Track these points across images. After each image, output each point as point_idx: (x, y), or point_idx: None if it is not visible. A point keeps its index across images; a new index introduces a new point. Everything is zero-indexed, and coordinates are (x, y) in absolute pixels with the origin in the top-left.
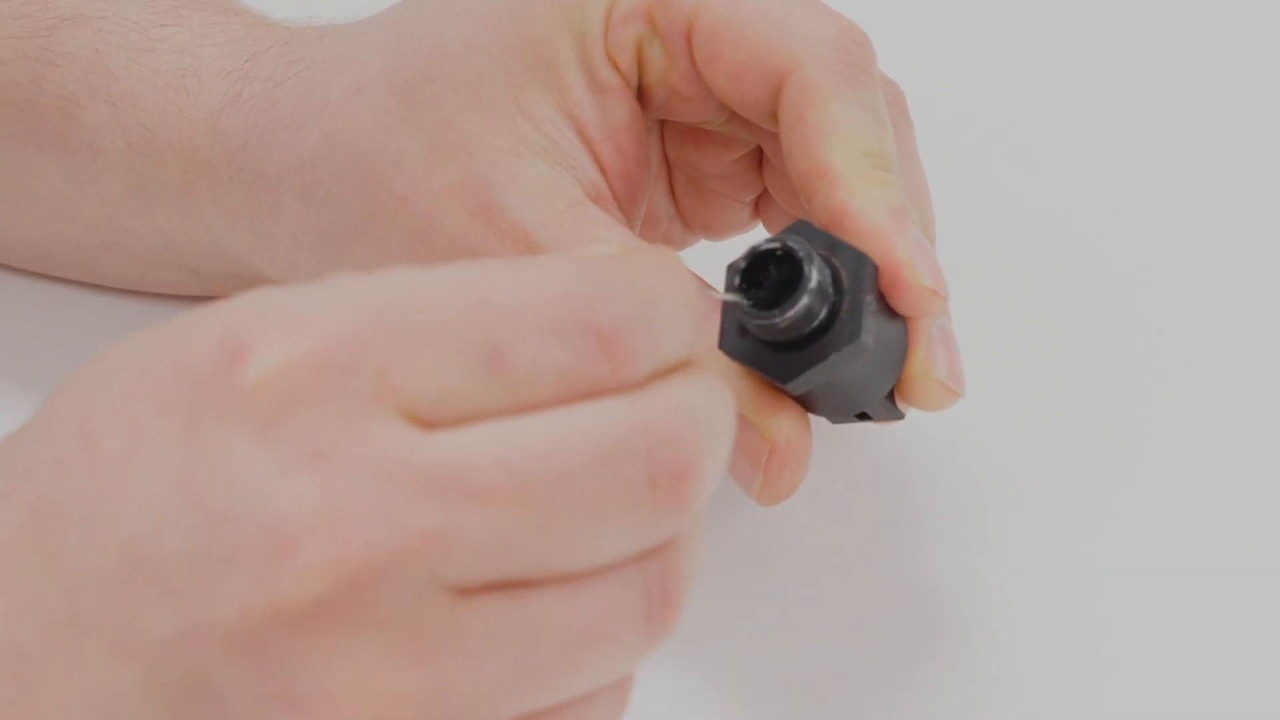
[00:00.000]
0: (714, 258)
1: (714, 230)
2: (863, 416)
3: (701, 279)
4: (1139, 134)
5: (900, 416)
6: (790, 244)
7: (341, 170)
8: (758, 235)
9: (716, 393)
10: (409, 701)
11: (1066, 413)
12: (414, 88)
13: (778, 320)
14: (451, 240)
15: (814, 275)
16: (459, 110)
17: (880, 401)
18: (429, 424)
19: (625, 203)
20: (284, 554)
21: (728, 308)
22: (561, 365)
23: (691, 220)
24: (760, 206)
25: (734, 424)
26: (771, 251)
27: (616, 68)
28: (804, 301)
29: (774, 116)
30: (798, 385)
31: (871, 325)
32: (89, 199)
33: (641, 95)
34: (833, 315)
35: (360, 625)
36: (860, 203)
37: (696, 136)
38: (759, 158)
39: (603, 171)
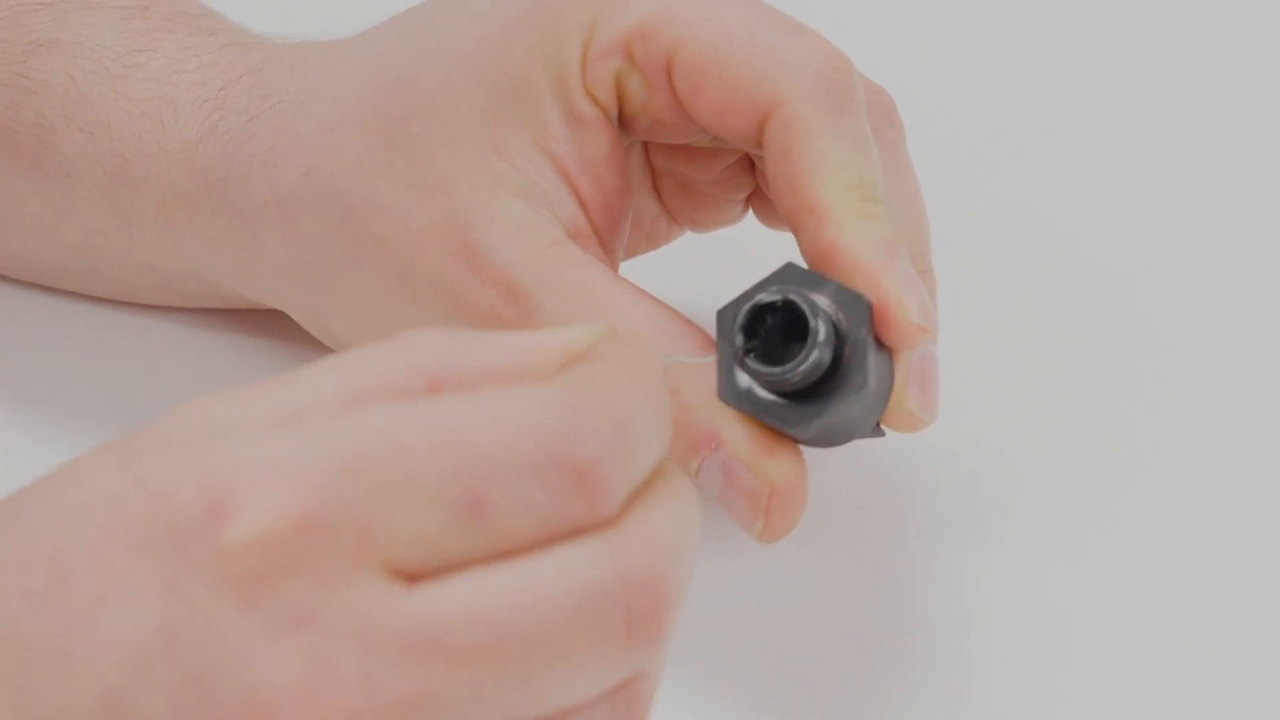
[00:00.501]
0: (711, 257)
1: (703, 226)
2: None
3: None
4: (1136, 132)
5: (882, 434)
6: (792, 297)
7: (320, 206)
8: (747, 225)
9: (686, 506)
10: None
11: (1064, 415)
12: (391, 126)
13: (790, 376)
14: (432, 281)
15: (821, 329)
16: (436, 149)
17: (867, 429)
18: (410, 576)
19: (605, 234)
20: None
21: (725, 353)
22: (540, 507)
23: (679, 218)
24: (752, 200)
25: (698, 528)
26: (770, 304)
27: (595, 101)
28: (814, 355)
29: (760, 145)
30: (806, 432)
31: (873, 367)
32: (68, 225)
33: (624, 122)
34: (836, 360)
35: None
36: (849, 239)
37: (687, 151)
38: (750, 161)
39: (582, 205)
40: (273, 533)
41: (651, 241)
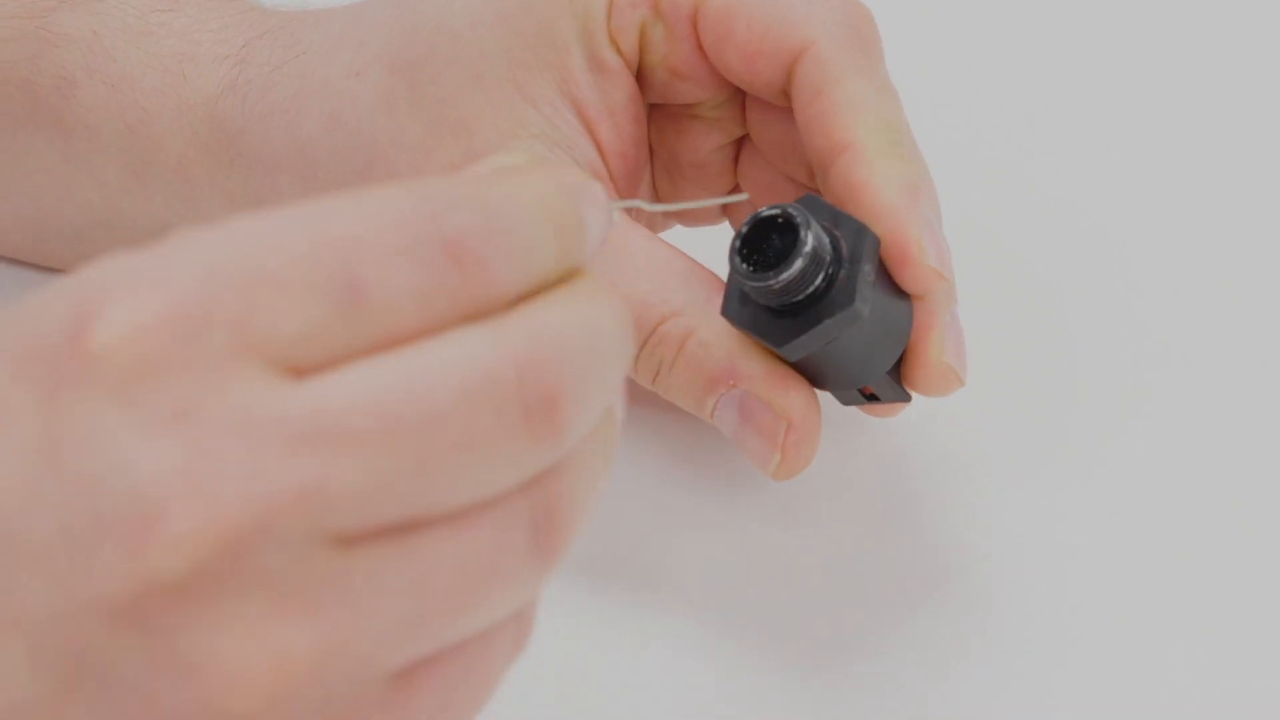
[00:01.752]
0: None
1: (683, 217)
2: (871, 398)
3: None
4: (1133, 105)
5: (907, 399)
6: (789, 210)
7: (342, 151)
8: (726, 230)
9: (596, 309)
10: (301, 656)
11: (1064, 390)
12: (415, 66)
13: (772, 282)
14: None
15: (809, 239)
16: (460, 88)
17: (885, 380)
18: (299, 371)
19: (622, 182)
20: (153, 523)
21: (731, 276)
22: (417, 285)
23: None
24: (727, 208)
25: (624, 340)
26: (773, 218)
27: (619, 49)
28: (799, 264)
29: (784, 94)
30: (793, 350)
31: (868, 295)
32: (85, 180)
33: (639, 77)
34: (830, 283)
35: (243, 586)
36: (878, 178)
37: (679, 124)
38: (736, 151)
39: (600, 152)
40: (140, 332)
41: (650, 228)
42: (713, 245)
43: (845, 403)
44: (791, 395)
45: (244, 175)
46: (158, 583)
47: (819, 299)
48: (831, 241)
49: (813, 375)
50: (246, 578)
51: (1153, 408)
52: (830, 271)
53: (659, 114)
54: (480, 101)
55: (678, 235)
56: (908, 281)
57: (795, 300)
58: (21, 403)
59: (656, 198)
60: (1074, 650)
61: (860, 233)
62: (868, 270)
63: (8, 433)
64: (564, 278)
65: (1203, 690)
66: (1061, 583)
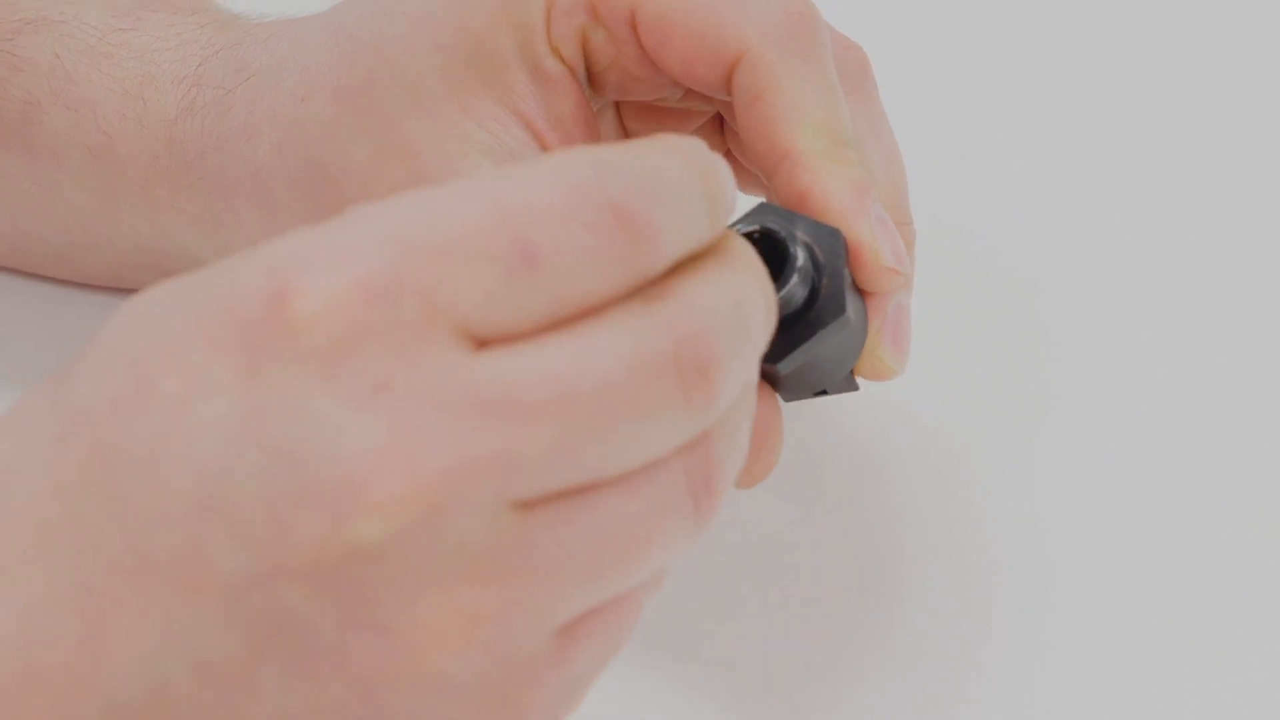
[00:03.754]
0: None
1: None
2: (820, 392)
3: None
4: (1121, 99)
5: (855, 388)
6: (770, 226)
7: (294, 178)
8: None
9: (742, 281)
10: (490, 617)
11: (1045, 370)
12: (356, 93)
13: None
14: None
15: (800, 255)
16: (402, 113)
17: (842, 375)
18: (480, 339)
19: None
20: (358, 490)
21: None
22: (587, 249)
23: None
24: None
25: (768, 311)
26: (749, 235)
27: (561, 58)
28: (794, 282)
29: (729, 94)
30: (788, 364)
31: (854, 301)
32: (55, 202)
33: (594, 80)
34: (813, 294)
35: (437, 551)
36: (823, 183)
37: (658, 112)
38: (720, 122)
39: None
40: (340, 305)
41: None
42: None
43: (790, 400)
44: None
45: (204, 198)
46: (359, 546)
47: (806, 310)
48: (806, 249)
49: (772, 380)
50: (441, 543)
51: (1144, 403)
52: (813, 281)
53: (632, 106)
54: (424, 125)
55: None
56: (864, 281)
57: (784, 315)
58: (222, 374)
59: None
60: (1073, 648)
61: (833, 236)
62: (847, 274)
63: (209, 403)
64: (711, 246)
65: (1202, 688)
66: (1060, 579)
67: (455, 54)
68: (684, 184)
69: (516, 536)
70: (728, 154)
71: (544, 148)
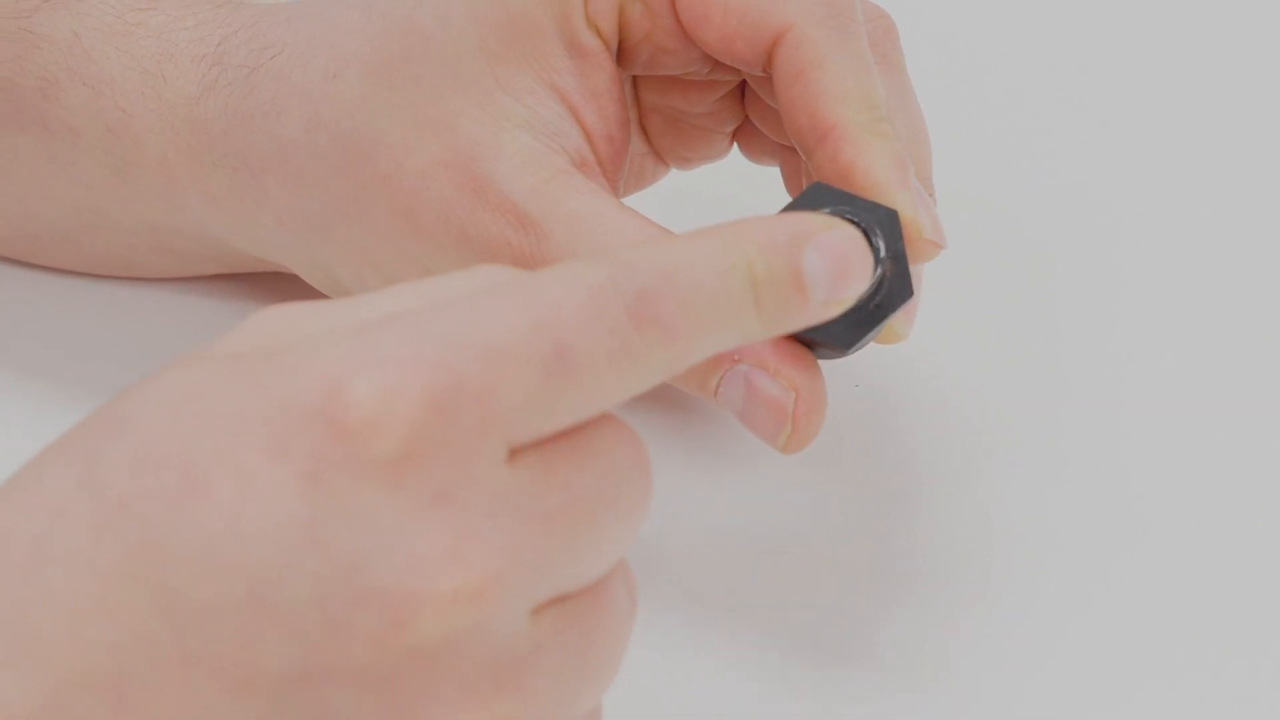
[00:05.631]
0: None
1: (691, 162)
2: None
3: None
4: (1142, 72)
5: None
6: (850, 216)
7: (325, 153)
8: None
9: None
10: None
11: (1056, 340)
12: (391, 68)
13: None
14: (439, 215)
15: (881, 245)
16: (439, 87)
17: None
18: (516, 444)
19: (609, 164)
20: (419, 594)
21: None
22: (607, 347)
23: (666, 155)
24: (739, 134)
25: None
26: None
27: (598, 32)
28: (879, 272)
29: (766, 70)
30: (856, 348)
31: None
32: (69, 181)
33: (624, 53)
34: (881, 276)
35: (479, 656)
36: (868, 158)
37: (680, 84)
38: (741, 90)
39: (587, 136)
40: (405, 413)
41: (639, 180)
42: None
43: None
44: (798, 367)
45: (228, 176)
46: (414, 649)
47: (875, 293)
48: (878, 232)
49: (808, 344)
50: (484, 647)
51: (1160, 379)
52: (882, 265)
53: (649, 79)
54: (461, 98)
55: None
56: (911, 256)
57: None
58: (282, 479)
59: (655, 153)
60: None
61: (891, 218)
62: (904, 254)
63: (269, 510)
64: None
65: (1200, 687)
66: (1055, 577)
67: (492, 28)
68: (710, 271)
69: (532, 642)
70: (747, 122)
71: (580, 122)
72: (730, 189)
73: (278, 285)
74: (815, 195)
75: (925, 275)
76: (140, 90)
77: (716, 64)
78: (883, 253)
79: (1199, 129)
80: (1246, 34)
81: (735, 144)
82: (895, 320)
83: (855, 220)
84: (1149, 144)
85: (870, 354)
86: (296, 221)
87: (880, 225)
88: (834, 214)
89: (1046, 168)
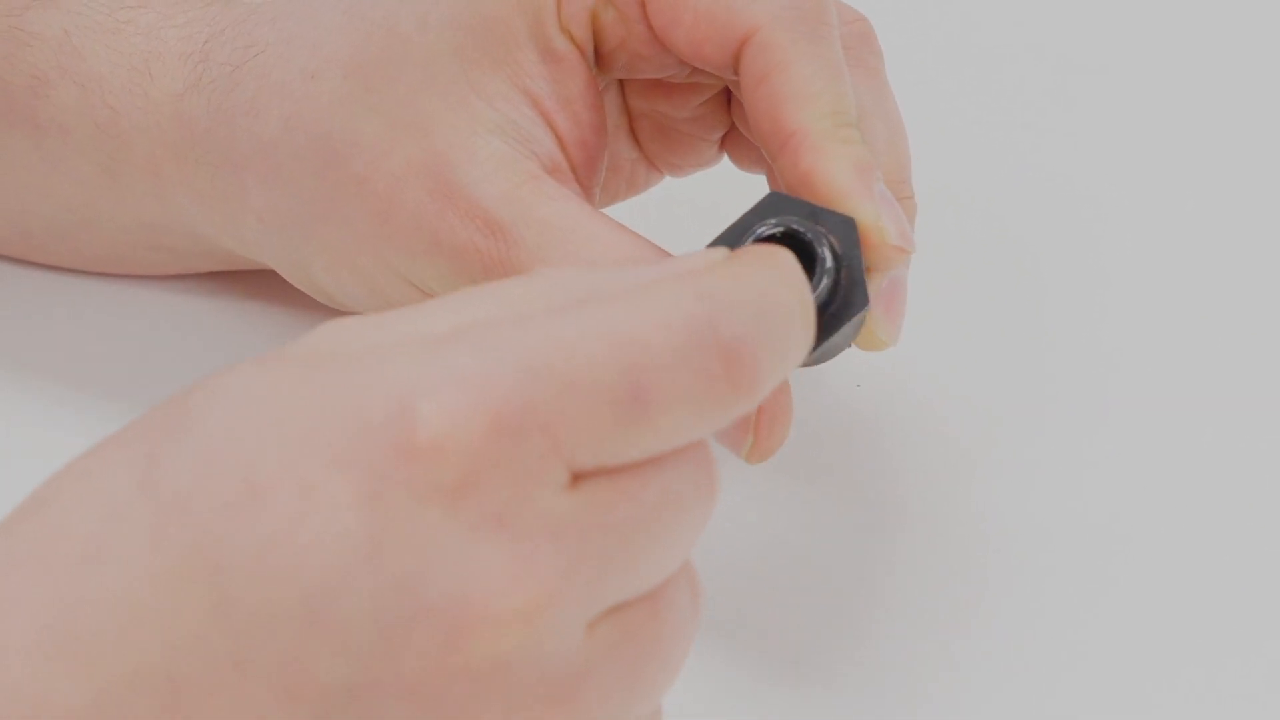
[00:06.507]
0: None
1: (681, 169)
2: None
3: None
4: (1123, 70)
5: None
6: (795, 227)
7: (302, 153)
8: (723, 170)
9: None
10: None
11: (1046, 339)
12: (369, 69)
13: None
14: (411, 218)
15: (828, 256)
16: (415, 91)
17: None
18: (579, 472)
19: (582, 170)
20: (474, 614)
21: None
22: (691, 393)
23: (657, 161)
24: (727, 141)
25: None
26: (773, 236)
27: (571, 38)
28: (825, 282)
29: (735, 74)
30: (811, 355)
31: (870, 286)
32: (61, 178)
33: (601, 59)
34: (835, 285)
35: (530, 674)
36: (827, 164)
37: (664, 88)
38: (727, 96)
39: (559, 142)
40: (470, 437)
41: (631, 187)
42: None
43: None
44: None
45: (211, 173)
46: (467, 669)
47: (830, 302)
48: (829, 245)
49: None
50: (537, 666)
51: (1147, 378)
52: (835, 274)
53: (635, 83)
54: (436, 101)
55: (663, 189)
56: (873, 261)
57: None
58: (343, 495)
59: (646, 159)
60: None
61: (847, 226)
62: (861, 260)
63: (326, 522)
64: None
65: (1194, 690)
66: (1055, 574)
67: (468, 33)
68: (792, 319)
69: (585, 658)
70: (733, 129)
71: (553, 128)
72: (722, 196)
73: (276, 284)
74: (770, 205)
75: (909, 277)
76: (128, 88)
77: (695, 68)
78: (829, 263)
79: (1184, 126)
80: (1231, 31)
81: (725, 152)
82: (880, 328)
83: (800, 231)
84: (1134, 142)
85: (869, 356)
86: (276, 220)
87: (835, 234)
88: (781, 225)
89: (1031, 166)
